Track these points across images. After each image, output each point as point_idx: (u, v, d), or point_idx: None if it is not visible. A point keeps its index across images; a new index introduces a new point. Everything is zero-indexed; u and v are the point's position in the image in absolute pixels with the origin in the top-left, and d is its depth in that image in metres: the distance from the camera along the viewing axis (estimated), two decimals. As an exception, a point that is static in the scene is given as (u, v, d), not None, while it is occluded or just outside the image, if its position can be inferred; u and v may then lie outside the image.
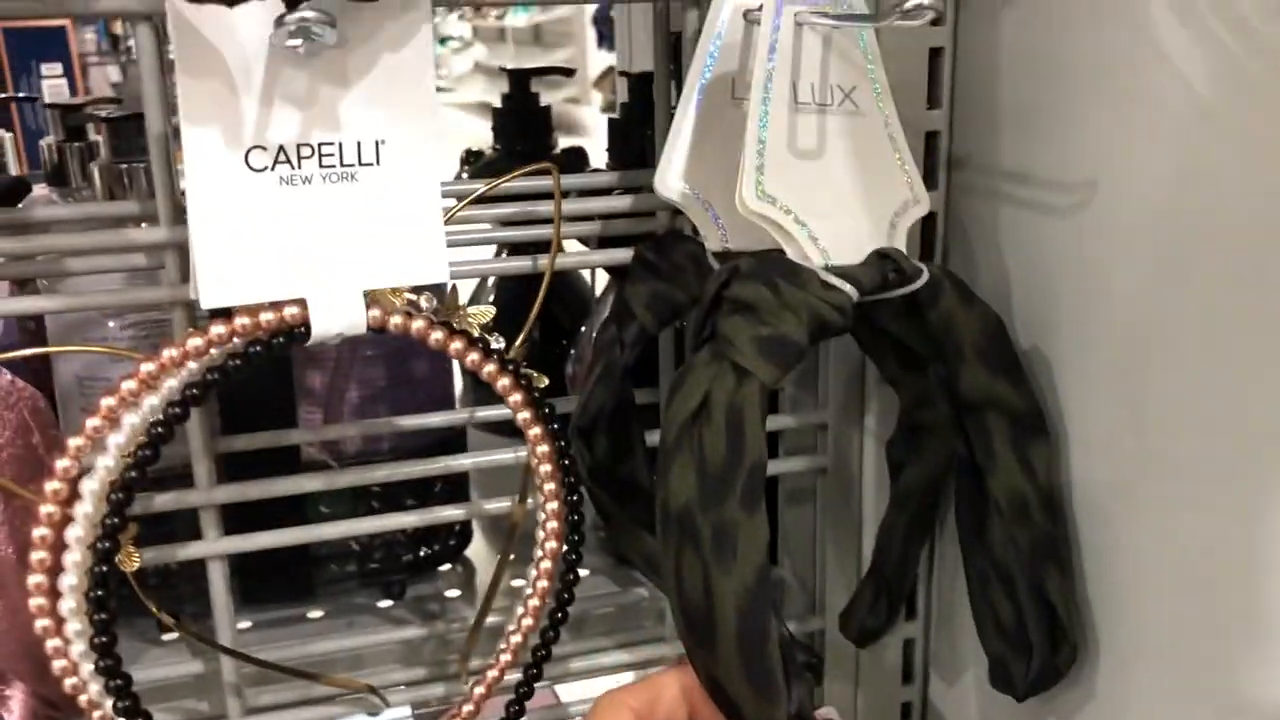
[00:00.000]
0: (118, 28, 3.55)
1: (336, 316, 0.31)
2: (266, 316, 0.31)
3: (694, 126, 0.38)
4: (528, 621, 0.39)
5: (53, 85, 1.77)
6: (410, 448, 0.52)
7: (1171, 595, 0.35)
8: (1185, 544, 0.34)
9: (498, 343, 0.36)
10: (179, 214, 0.38)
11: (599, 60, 3.85)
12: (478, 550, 0.58)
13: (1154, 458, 0.35)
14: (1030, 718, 0.42)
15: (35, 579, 0.30)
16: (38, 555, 0.30)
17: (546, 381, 0.38)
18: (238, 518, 0.42)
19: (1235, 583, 0.32)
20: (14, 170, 0.65)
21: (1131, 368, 0.36)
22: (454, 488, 0.53)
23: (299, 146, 0.30)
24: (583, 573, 0.56)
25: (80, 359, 0.47)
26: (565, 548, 0.38)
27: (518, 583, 0.52)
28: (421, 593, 0.53)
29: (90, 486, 0.30)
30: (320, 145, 0.31)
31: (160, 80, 0.36)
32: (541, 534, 0.38)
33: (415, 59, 0.31)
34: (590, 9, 3.78)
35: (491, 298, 0.68)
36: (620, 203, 0.42)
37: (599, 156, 0.63)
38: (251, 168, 0.30)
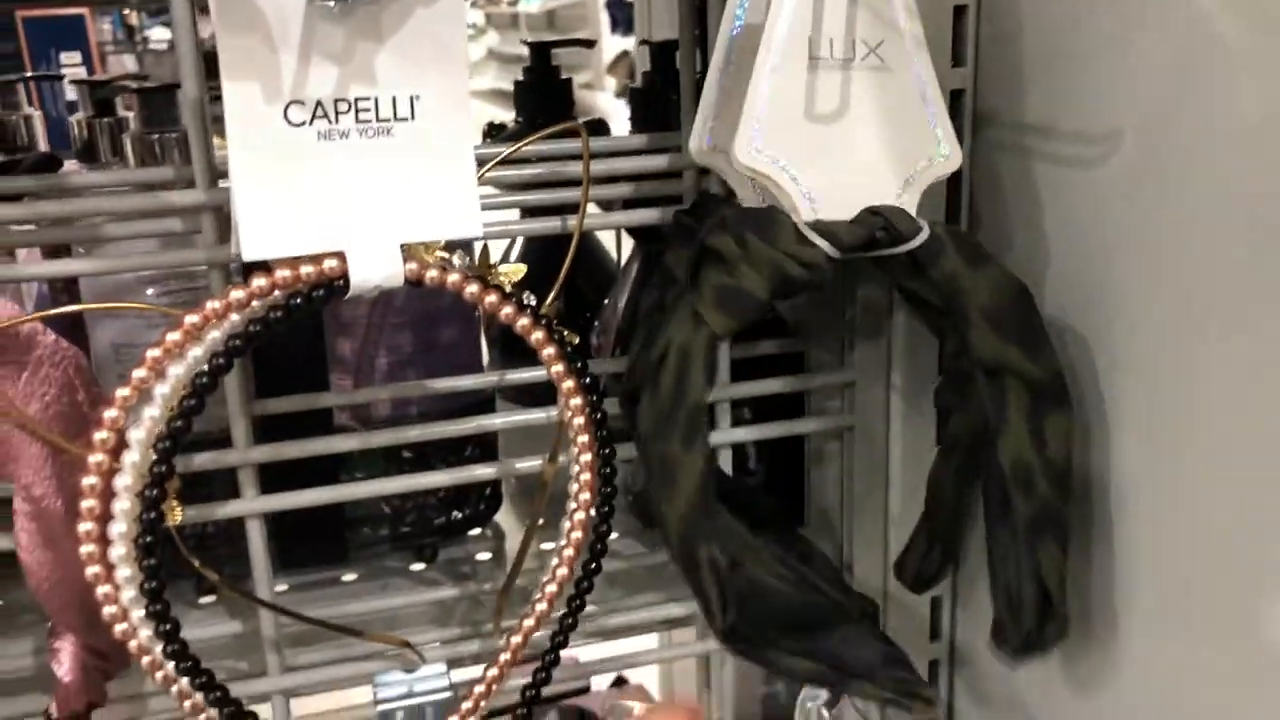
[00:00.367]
0: (133, 19, 3.56)
1: (375, 269, 0.32)
2: (306, 269, 0.31)
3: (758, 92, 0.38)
4: (563, 572, 0.39)
5: (71, 73, 1.79)
6: (440, 412, 0.52)
7: (1195, 566, 0.35)
8: (1214, 522, 0.34)
9: (529, 300, 0.37)
10: (215, 177, 0.39)
11: (613, 45, 3.84)
12: (505, 517, 0.58)
13: (1189, 432, 0.35)
14: (1058, 675, 0.42)
15: (86, 526, 0.31)
16: (88, 504, 0.31)
17: (578, 339, 0.38)
18: (272, 485, 0.42)
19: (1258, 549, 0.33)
20: (42, 148, 0.65)
21: (1171, 333, 0.35)
22: (484, 452, 0.54)
23: (336, 102, 0.31)
24: (615, 535, 0.57)
25: (116, 326, 0.48)
26: (599, 500, 0.39)
27: (546, 546, 0.52)
28: (452, 556, 0.54)
29: (137, 436, 0.31)
30: (357, 100, 0.31)
31: (195, 43, 0.37)
32: (575, 486, 0.39)
33: (448, 14, 0.31)
34: (604, -6, 3.78)
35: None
36: (649, 162, 0.43)
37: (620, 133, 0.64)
38: (290, 123, 0.31)
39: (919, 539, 0.43)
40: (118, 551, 0.31)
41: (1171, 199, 0.35)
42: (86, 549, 0.31)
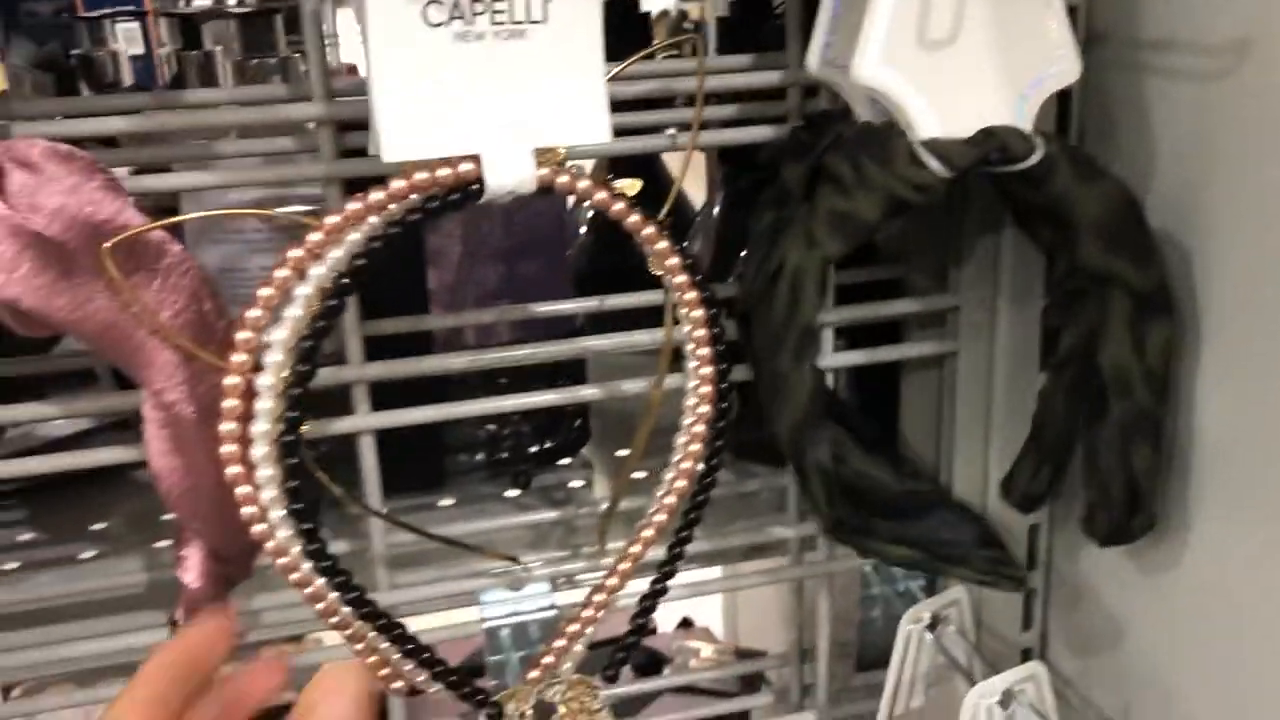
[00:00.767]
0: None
1: (509, 173, 0.32)
2: (443, 172, 0.31)
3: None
4: (682, 484, 0.39)
5: (127, 31, 1.80)
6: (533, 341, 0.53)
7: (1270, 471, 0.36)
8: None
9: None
10: (331, 91, 0.39)
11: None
12: (590, 452, 0.58)
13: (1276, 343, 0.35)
14: (1135, 564, 0.43)
15: (228, 426, 0.31)
16: (230, 403, 0.31)
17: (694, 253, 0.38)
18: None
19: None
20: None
21: (1270, 251, 0.35)
22: (575, 383, 0.54)
23: (472, 2, 0.31)
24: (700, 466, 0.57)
25: (221, 251, 0.49)
26: (716, 415, 0.39)
27: (638, 475, 0.53)
28: (545, 483, 0.55)
29: (279, 336, 0.31)
30: (492, 1, 0.31)
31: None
32: (693, 401, 0.38)
33: (582, -86, 0.31)
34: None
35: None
36: (755, 79, 0.42)
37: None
38: (428, 23, 0.31)
39: (1027, 458, 0.43)
40: (259, 451, 0.31)
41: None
42: (228, 449, 0.31)
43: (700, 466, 0.39)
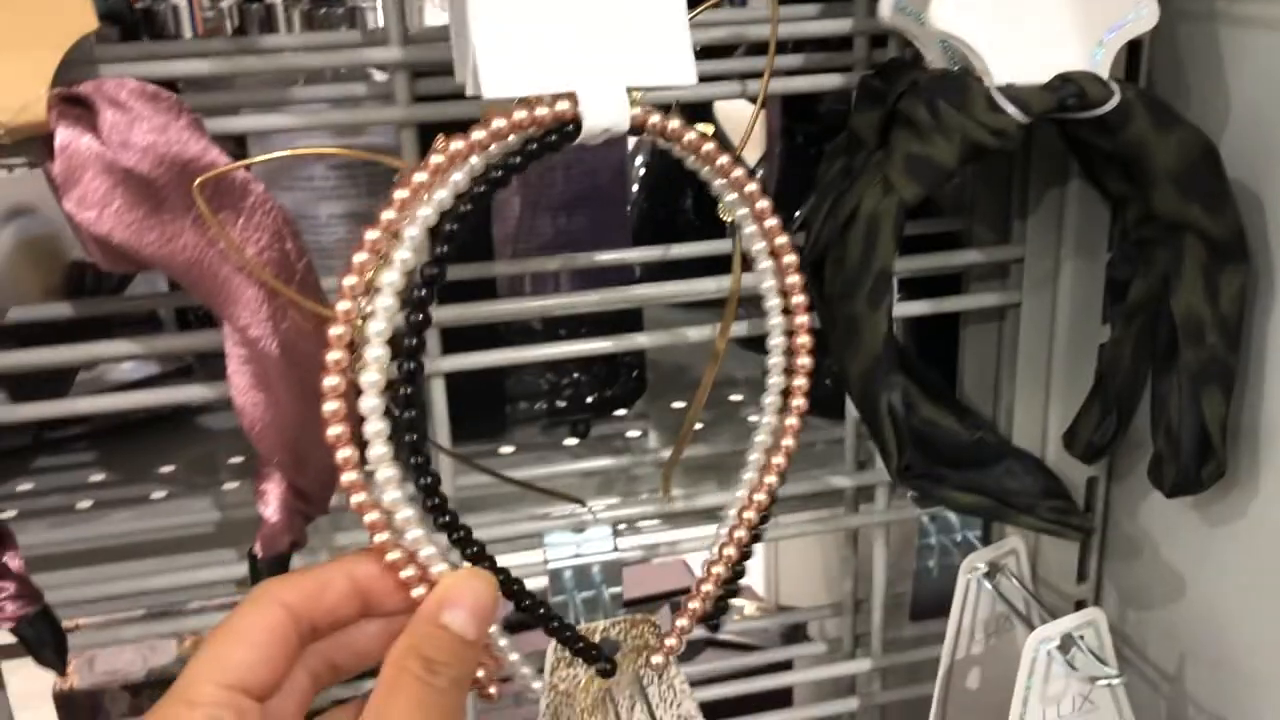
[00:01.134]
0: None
1: (605, 112, 0.32)
2: (541, 112, 0.31)
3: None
4: (789, 443, 0.38)
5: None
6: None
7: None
8: None
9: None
10: (408, 36, 0.39)
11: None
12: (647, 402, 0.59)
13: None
14: (1197, 516, 0.44)
15: (332, 381, 0.31)
16: (335, 355, 0.31)
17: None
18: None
19: None
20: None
21: None
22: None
23: (564, -60, 0.31)
24: (755, 418, 0.58)
25: (290, 198, 0.49)
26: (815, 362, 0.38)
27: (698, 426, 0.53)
28: (603, 433, 0.55)
29: (389, 279, 0.31)
30: (583, -61, 0.31)
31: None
32: (786, 349, 0.38)
33: None
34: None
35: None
36: (831, 25, 0.42)
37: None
38: (521, -43, 0.31)
39: (1091, 409, 0.43)
40: (369, 403, 0.31)
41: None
42: (332, 406, 0.30)
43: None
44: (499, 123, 0.31)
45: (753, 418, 0.57)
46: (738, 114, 0.61)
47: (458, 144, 0.31)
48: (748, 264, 0.46)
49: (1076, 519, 0.43)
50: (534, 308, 0.44)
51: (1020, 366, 0.48)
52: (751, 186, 0.35)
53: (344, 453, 0.31)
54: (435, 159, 0.30)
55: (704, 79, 0.43)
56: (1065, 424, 0.47)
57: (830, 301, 0.40)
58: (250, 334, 0.36)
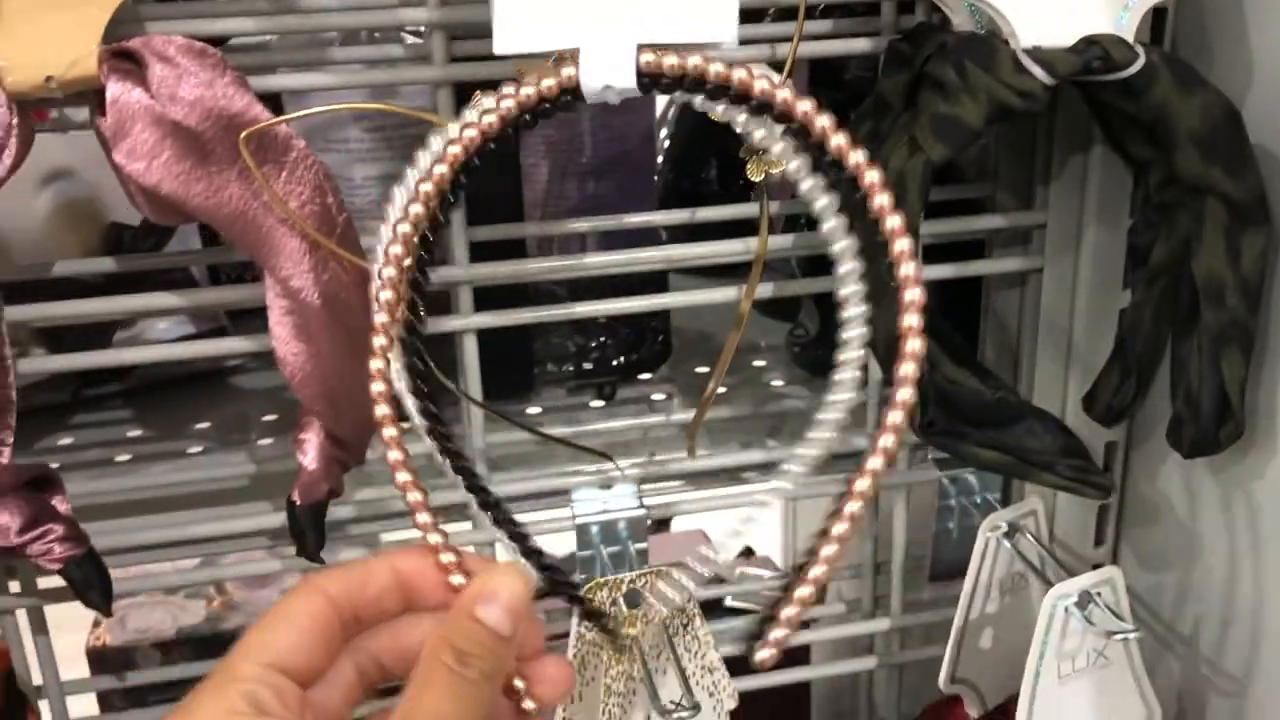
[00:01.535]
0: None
1: (605, 70, 0.31)
2: (548, 84, 0.32)
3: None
4: (898, 418, 0.34)
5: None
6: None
7: None
8: None
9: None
10: (445, -3, 0.40)
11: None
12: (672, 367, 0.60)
13: None
14: (1215, 479, 0.45)
15: (383, 318, 0.32)
16: (387, 295, 0.32)
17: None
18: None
19: None
20: None
21: None
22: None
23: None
24: (777, 383, 0.59)
25: (325, 159, 0.50)
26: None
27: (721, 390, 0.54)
28: (628, 395, 0.56)
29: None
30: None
31: None
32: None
33: None
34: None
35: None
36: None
37: None
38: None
39: (1111, 373, 0.44)
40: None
41: None
42: (377, 364, 0.32)
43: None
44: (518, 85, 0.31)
45: (775, 383, 0.59)
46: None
47: (508, 102, 0.31)
48: (772, 227, 0.47)
49: (1096, 477, 0.44)
50: (562, 266, 0.45)
51: (1042, 331, 0.48)
52: (824, 121, 0.33)
53: (381, 409, 0.32)
54: (488, 119, 0.31)
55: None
56: (1086, 388, 0.47)
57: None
58: (292, 285, 0.37)
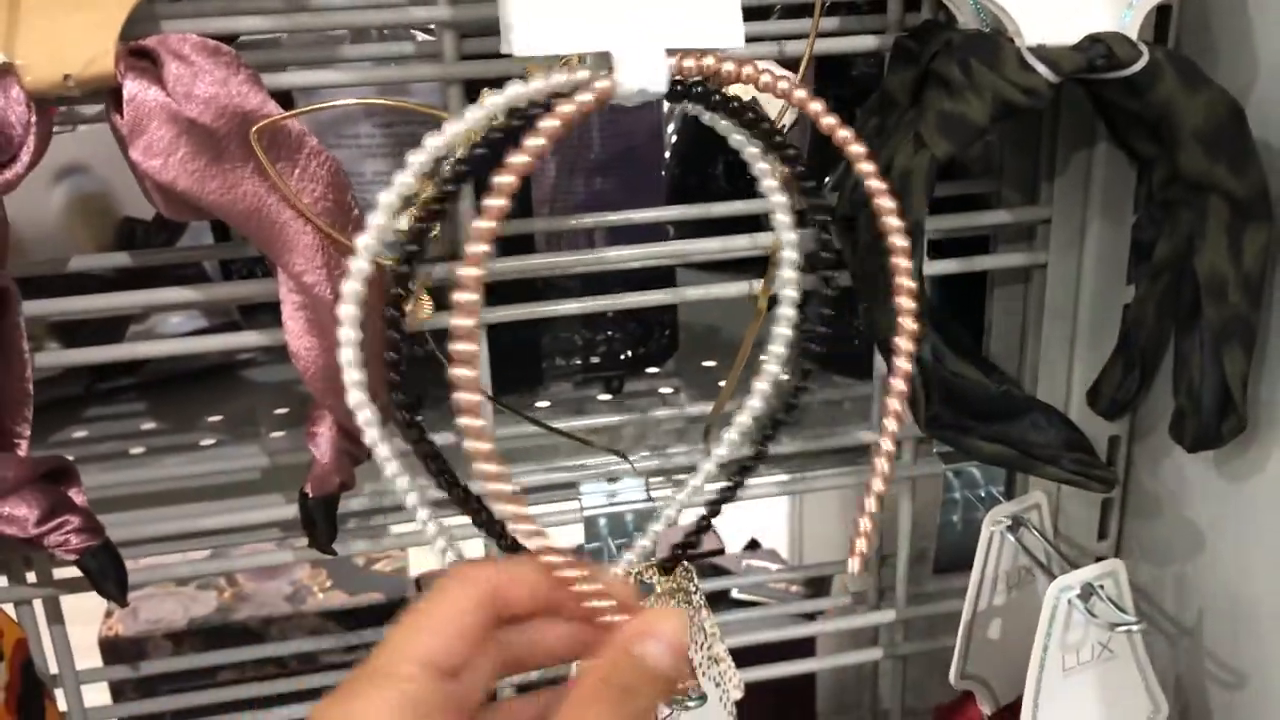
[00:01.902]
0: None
1: (641, 73, 0.32)
2: (586, 98, 0.32)
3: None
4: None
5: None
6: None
7: None
8: None
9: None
10: (455, -5, 0.40)
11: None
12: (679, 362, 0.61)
13: None
14: (1217, 473, 0.45)
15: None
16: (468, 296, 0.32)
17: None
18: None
19: None
20: None
21: None
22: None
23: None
24: (786, 377, 0.59)
25: (336, 155, 0.51)
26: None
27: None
28: (635, 389, 0.57)
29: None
30: (623, -102, 0.32)
31: None
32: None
33: None
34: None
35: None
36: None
37: None
38: (563, -81, 0.32)
39: (1115, 367, 0.44)
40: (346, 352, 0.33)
41: None
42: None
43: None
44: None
45: (784, 377, 0.59)
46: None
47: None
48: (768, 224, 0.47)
49: (1099, 471, 0.44)
50: (570, 261, 0.45)
51: (1046, 326, 0.49)
52: (828, 120, 0.33)
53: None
54: (548, 126, 0.30)
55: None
56: (1088, 383, 0.48)
57: (862, 256, 0.41)
58: (305, 280, 0.37)
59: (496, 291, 0.45)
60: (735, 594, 0.82)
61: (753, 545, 0.97)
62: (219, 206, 0.36)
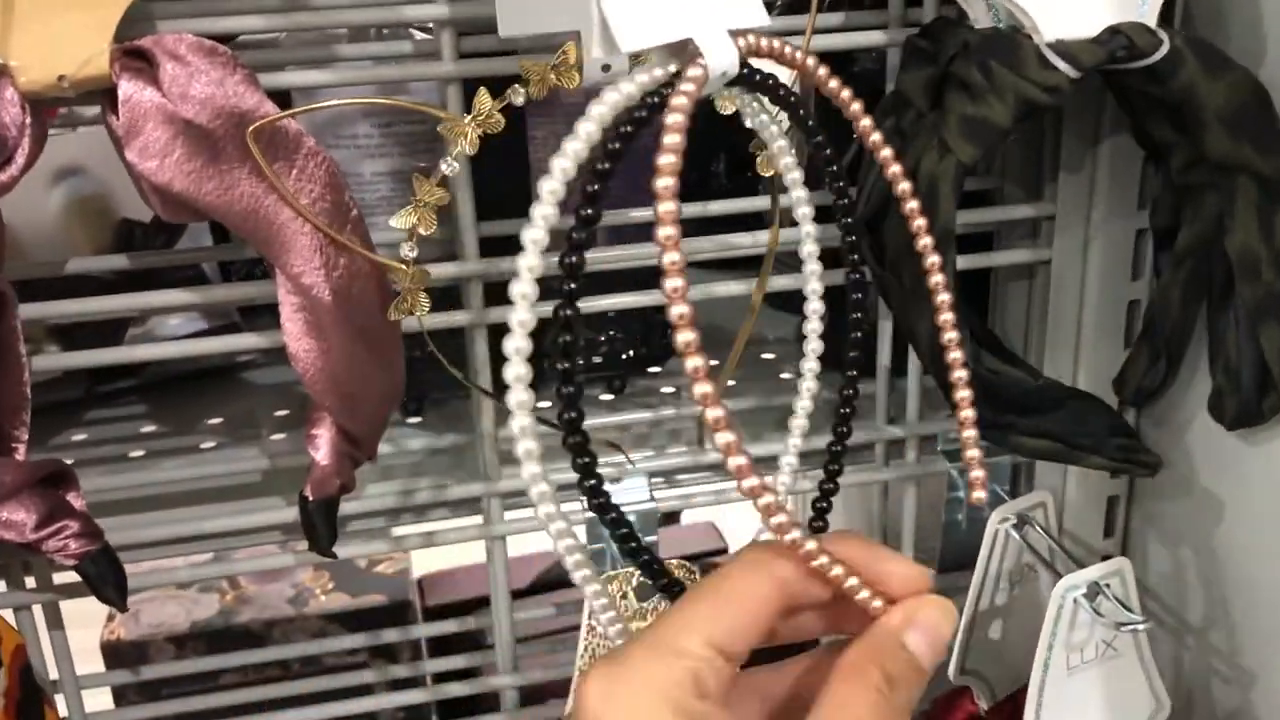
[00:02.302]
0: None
1: (723, 55, 0.31)
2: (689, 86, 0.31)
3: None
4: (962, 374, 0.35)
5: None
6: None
7: None
8: None
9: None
10: (453, -7, 0.40)
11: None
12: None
13: None
14: (1221, 466, 0.45)
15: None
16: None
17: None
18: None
19: None
20: None
21: None
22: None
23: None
24: (786, 375, 0.59)
25: (333, 155, 0.50)
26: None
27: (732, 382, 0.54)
28: (637, 389, 0.56)
29: (543, 212, 0.33)
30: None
31: None
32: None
33: None
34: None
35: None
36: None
37: None
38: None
39: (1140, 355, 0.44)
40: (514, 344, 0.32)
41: None
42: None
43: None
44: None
45: (784, 375, 0.59)
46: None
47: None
48: (782, 220, 0.47)
49: (1144, 455, 0.45)
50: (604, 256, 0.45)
51: (1050, 322, 0.49)
52: (855, 105, 0.34)
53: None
54: (671, 140, 0.30)
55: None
56: (1094, 379, 0.48)
57: (893, 264, 0.40)
58: (303, 282, 0.37)
59: (496, 291, 0.44)
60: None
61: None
62: (216, 207, 0.36)
